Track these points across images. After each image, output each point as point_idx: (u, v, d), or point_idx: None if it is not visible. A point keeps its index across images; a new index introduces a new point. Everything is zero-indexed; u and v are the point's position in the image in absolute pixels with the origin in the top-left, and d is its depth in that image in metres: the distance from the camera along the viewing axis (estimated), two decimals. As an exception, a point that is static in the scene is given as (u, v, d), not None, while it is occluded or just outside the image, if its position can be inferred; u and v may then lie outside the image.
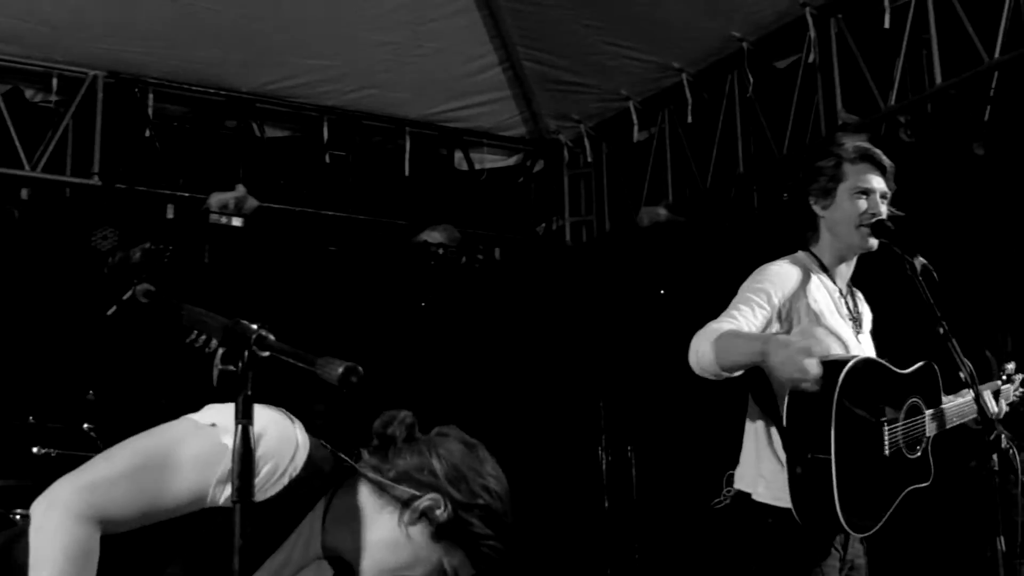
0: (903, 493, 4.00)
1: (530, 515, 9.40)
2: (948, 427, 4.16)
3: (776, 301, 3.97)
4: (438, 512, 2.57)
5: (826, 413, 3.80)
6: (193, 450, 2.47)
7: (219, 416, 2.52)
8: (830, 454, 3.78)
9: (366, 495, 2.64)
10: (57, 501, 2.41)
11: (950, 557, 6.81)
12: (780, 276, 4.03)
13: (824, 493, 3.77)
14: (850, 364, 3.90)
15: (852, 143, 4.33)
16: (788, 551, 3.90)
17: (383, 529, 2.61)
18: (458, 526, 2.59)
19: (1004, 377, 4.52)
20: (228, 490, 2.43)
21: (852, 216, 4.09)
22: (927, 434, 4.09)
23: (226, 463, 2.40)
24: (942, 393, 4.21)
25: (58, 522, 2.38)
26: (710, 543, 7.07)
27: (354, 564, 2.67)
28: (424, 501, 2.56)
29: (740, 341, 3.77)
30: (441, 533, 2.59)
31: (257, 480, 2.43)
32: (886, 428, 3.96)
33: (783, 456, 3.93)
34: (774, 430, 3.98)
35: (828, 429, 3.79)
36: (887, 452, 3.95)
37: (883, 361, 4.13)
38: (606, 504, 9.25)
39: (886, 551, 4.29)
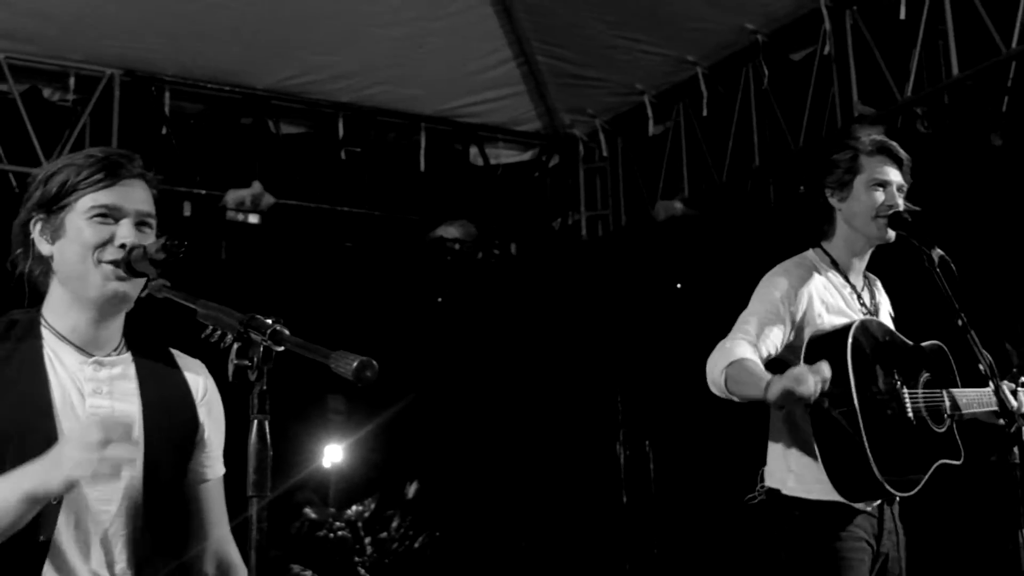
0: (935, 464, 4.00)
1: (548, 510, 9.41)
2: (964, 413, 4.14)
3: (789, 313, 3.98)
4: (40, 220, 2.76)
5: (843, 371, 3.82)
6: None
7: None
8: (854, 405, 3.80)
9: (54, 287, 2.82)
10: None
11: (971, 550, 6.79)
12: (786, 284, 4.03)
13: (856, 447, 3.78)
14: (857, 322, 3.95)
15: (868, 135, 4.32)
16: (816, 544, 3.89)
17: (61, 287, 2.80)
18: (55, 199, 2.75)
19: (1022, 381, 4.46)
20: None
21: (869, 208, 4.08)
22: (948, 411, 4.08)
23: None
24: (957, 377, 4.21)
25: None
26: (730, 538, 7.06)
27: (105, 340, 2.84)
28: (32, 234, 2.77)
29: (746, 377, 3.77)
30: (52, 222, 2.76)
31: None
32: (906, 391, 3.98)
33: (815, 447, 3.92)
34: (802, 420, 3.97)
35: (848, 384, 3.81)
36: (911, 415, 3.96)
37: (890, 327, 4.14)
38: (624, 499, 9.26)
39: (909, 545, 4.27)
